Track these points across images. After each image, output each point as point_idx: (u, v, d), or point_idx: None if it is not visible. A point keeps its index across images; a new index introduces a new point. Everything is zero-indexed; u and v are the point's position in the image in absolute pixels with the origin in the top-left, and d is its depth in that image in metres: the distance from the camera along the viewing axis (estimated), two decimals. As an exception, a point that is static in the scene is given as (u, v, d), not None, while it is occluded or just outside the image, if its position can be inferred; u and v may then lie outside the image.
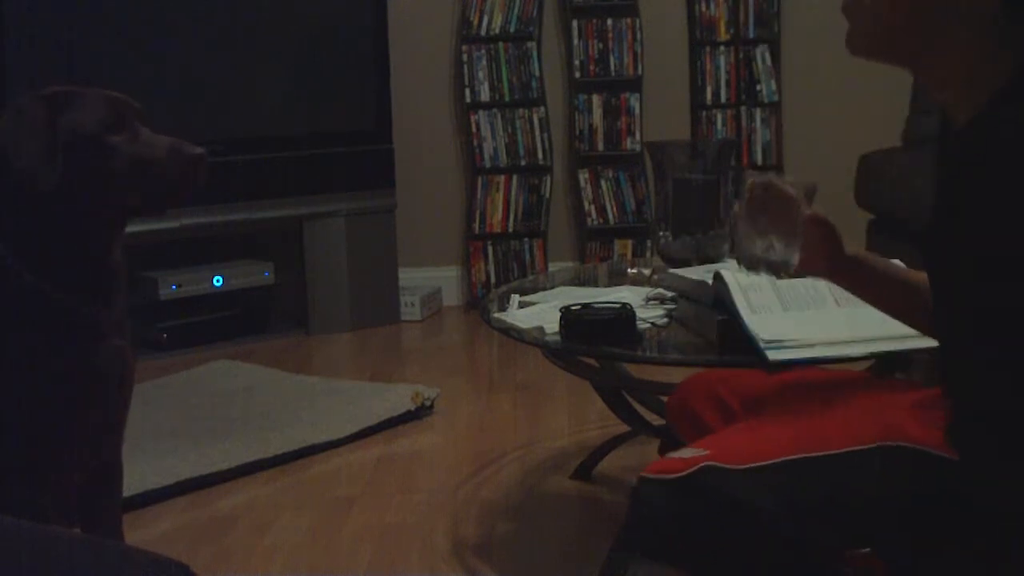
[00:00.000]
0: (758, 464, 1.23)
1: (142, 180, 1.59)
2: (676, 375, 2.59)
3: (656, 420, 2.61)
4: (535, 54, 4.55)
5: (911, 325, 1.55)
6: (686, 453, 1.26)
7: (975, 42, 1.21)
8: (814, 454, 1.25)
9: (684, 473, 1.22)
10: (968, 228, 1.19)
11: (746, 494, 1.20)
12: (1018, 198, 1.11)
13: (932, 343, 1.42)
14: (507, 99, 4.56)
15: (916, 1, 1.23)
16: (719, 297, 1.92)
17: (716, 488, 1.21)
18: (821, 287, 1.94)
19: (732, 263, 2.29)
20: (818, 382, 1.58)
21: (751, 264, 1.40)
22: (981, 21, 1.20)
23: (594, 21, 4.56)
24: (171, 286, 4.04)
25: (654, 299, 2.20)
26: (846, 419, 1.32)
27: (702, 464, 1.22)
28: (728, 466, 1.22)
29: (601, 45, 4.58)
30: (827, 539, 1.21)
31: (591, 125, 4.60)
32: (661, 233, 2.50)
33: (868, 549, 1.21)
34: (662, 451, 1.78)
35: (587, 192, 4.62)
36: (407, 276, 4.57)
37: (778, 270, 1.40)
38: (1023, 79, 1.18)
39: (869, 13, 1.27)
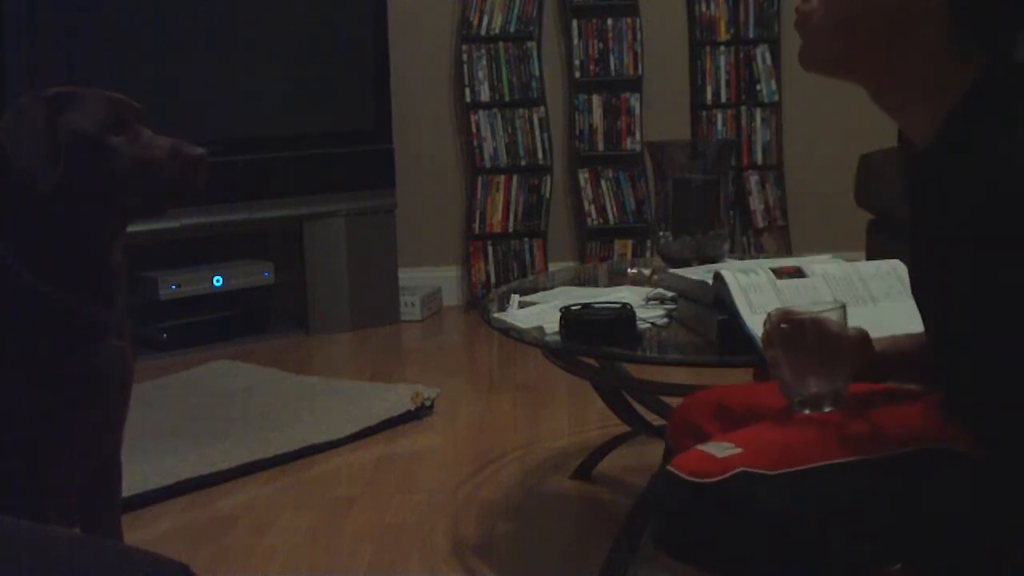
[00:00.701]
0: (792, 470, 1.21)
1: (143, 181, 1.58)
2: (676, 375, 2.59)
3: (656, 420, 2.61)
4: (535, 54, 4.55)
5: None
6: (719, 450, 1.24)
7: (928, 61, 1.22)
8: (848, 459, 1.23)
9: (720, 478, 1.20)
10: (949, 244, 1.19)
11: (781, 503, 1.19)
12: (998, 207, 1.11)
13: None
14: (507, 99, 4.56)
15: (865, 24, 1.23)
16: (719, 297, 1.92)
17: (751, 495, 1.19)
18: (821, 288, 1.94)
19: (732, 263, 2.30)
20: None
21: (814, 404, 1.34)
22: (932, 41, 1.21)
23: (594, 21, 4.56)
24: (171, 286, 4.04)
25: (654, 299, 2.20)
26: (874, 424, 1.31)
27: (738, 470, 1.20)
28: (763, 471, 1.20)
29: (601, 45, 4.58)
30: (860, 550, 1.20)
31: (591, 125, 4.60)
32: (661, 233, 2.50)
33: (899, 565, 1.19)
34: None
35: (587, 192, 4.62)
36: (407, 276, 4.57)
37: (838, 401, 1.35)
38: (975, 95, 1.19)
39: (819, 31, 1.28)
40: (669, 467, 1.25)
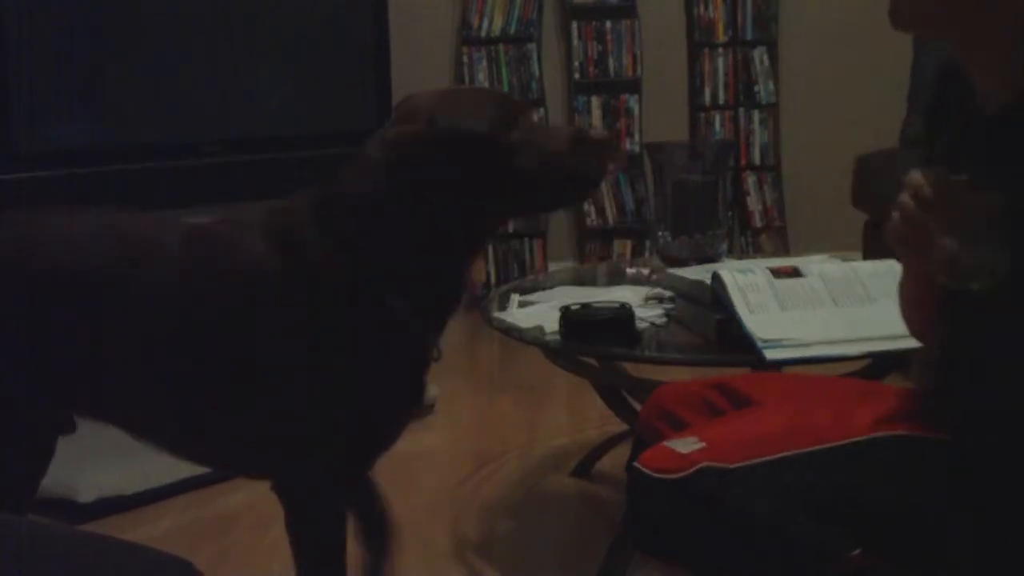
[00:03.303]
0: (754, 462, 1.23)
1: (548, 175, 1.45)
2: (676, 374, 2.60)
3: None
4: (535, 55, 4.56)
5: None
6: (682, 446, 1.25)
7: (1015, 28, 1.21)
8: (809, 449, 1.25)
9: (683, 474, 1.21)
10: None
11: (744, 496, 1.20)
12: None
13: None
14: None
15: None
16: (717, 297, 1.93)
17: (714, 490, 1.20)
18: (819, 287, 1.95)
19: (730, 263, 2.31)
20: (808, 379, 1.57)
21: (981, 275, 1.18)
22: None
23: (593, 23, 4.57)
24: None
25: (653, 299, 2.21)
26: (838, 412, 1.32)
27: (701, 466, 1.22)
28: (725, 465, 1.22)
29: (600, 47, 4.59)
30: (823, 538, 1.21)
31: (590, 126, 4.61)
32: (660, 233, 2.51)
33: (859, 550, 1.21)
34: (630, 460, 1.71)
35: (586, 193, 4.62)
36: (407, 276, 4.57)
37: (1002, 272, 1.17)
38: None
39: None
40: (635, 463, 1.26)
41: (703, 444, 1.25)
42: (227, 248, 1.52)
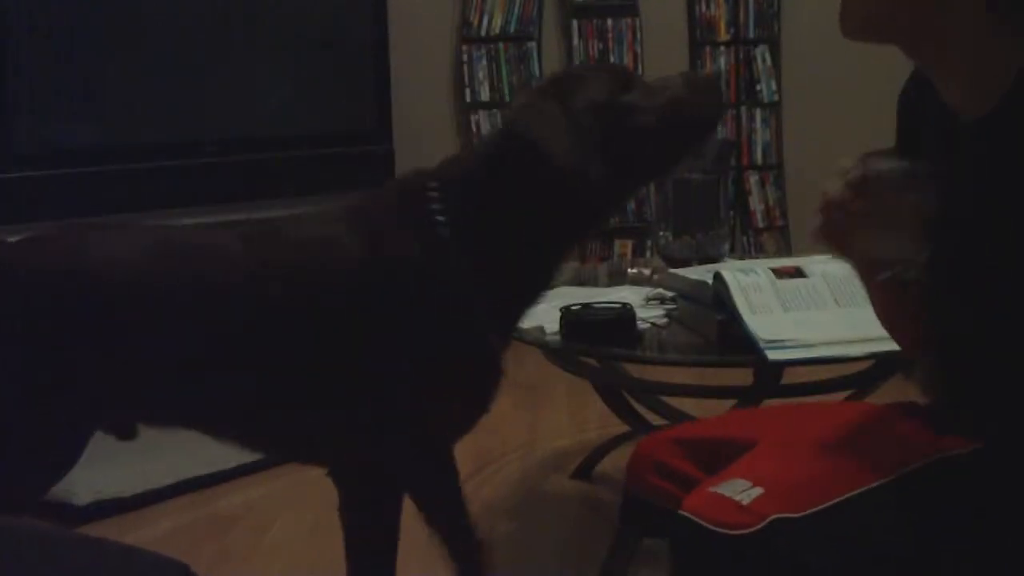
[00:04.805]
0: (823, 506, 1.14)
1: (671, 126, 1.49)
2: (676, 375, 2.59)
3: (656, 420, 2.61)
4: (535, 54, 4.55)
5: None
6: (735, 491, 1.17)
7: (980, 32, 1.17)
8: (871, 486, 1.17)
9: (753, 529, 1.12)
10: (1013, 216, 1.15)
11: (819, 546, 1.12)
12: None
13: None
14: (507, 99, 4.56)
15: None
16: (719, 297, 1.93)
17: (794, 547, 1.11)
18: (821, 287, 1.94)
19: (732, 263, 2.30)
20: (805, 414, 1.50)
21: (902, 271, 1.22)
22: (979, 9, 1.16)
23: (594, 21, 4.56)
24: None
25: (654, 299, 2.21)
26: (877, 444, 1.26)
27: (772, 518, 1.12)
28: (794, 515, 1.13)
29: (601, 45, 4.58)
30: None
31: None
32: (661, 233, 2.50)
33: None
34: (625, 519, 1.61)
35: (587, 192, 4.62)
36: (407, 276, 4.56)
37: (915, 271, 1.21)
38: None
39: None
40: (686, 513, 1.16)
41: (761, 489, 1.16)
42: (302, 244, 1.53)
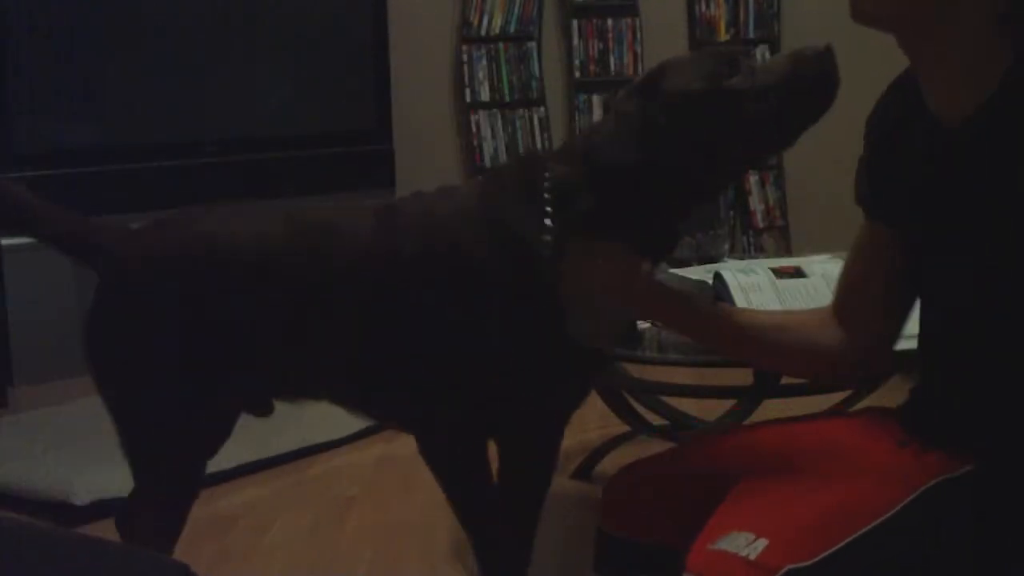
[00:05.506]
0: (829, 552, 1.12)
1: (786, 105, 1.44)
2: (676, 375, 2.59)
3: (656, 420, 2.61)
4: (535, 54, 4.55)
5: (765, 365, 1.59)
6: (741, 546, 1.14)
7: (981, 34, 1.18)
8: (876, 523, 1.15)
9: None
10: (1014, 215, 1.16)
11: None
12: None
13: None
14: (507, 99, 4.57)
15: None
16: (719, 297, 1.93)
17: None
18: (821, 287, 1.94)
19: (732, 263, 2.30)
20: (774, 438, 1.49)
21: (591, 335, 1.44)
22: (989, 14, 1.18)
23: (594, 21, 4.56)
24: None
25: (654, 299, 2.20)
26: (868, 474, 1.25)
27: (785, 570, 1.10)
28: (805, 563, 1.11)
29: (601, 45, 4.58)
30: None
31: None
32: (661, 233, 2.50)
33: None
34: (601, 566, 1.63)
35: (587, 192, 4.62)
36: (407, 276, 4.56)
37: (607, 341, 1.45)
38: (1015, 74, 1.16)
39: None
40: (692, 575, 1.14)
41: (766, 540, 1.13)
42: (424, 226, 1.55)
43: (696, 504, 1.34)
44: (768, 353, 1.51)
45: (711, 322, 1.49)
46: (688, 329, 1.55)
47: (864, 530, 1.15)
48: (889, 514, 1.16)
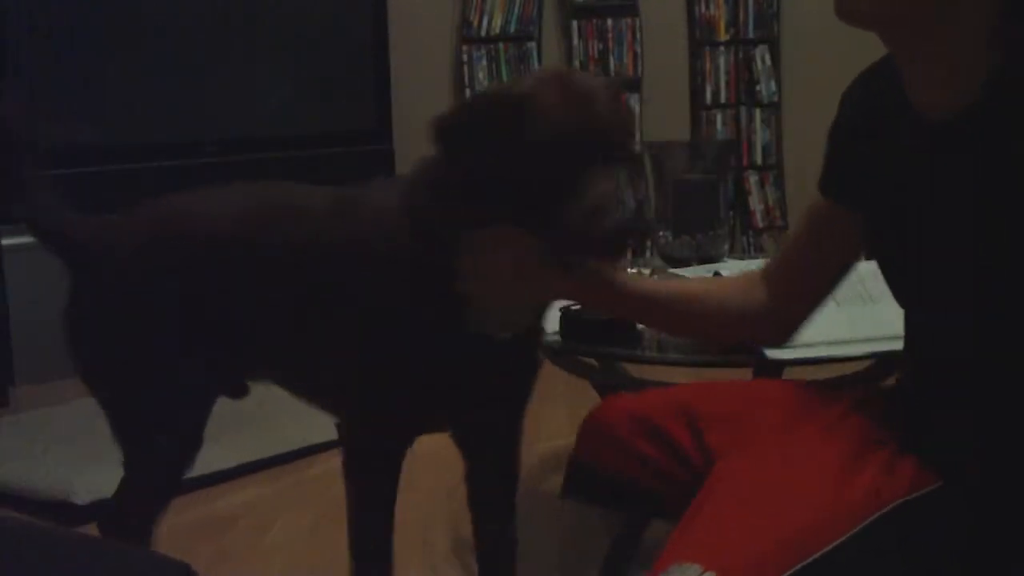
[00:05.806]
0: (795, 569, 1.09)
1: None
2: (676, 375, 2.59)
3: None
4: (535, 54, 4.55)
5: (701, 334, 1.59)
6: None
7: (972, 35, 1.17)
8: (820, 553, 1.11)
9: None
10: (1001, 213, 1.16)
11: None
12: None
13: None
14: (507, 99, 4.57)
15: None
16: (719, 297, 1.92)
17: None
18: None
19: (731, 263, 2.30)
20: (785, 408, 1.43)
21: (495, 326, 1.45)
22: (982, 15, 1.17)
23: (594, 21, 4.57)
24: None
25: (654, 299, 2.20)
26: (838, 491, 1.19)
27: None
28: None
29: (601, 45, 4.58)
30: None
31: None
32: (661, 233, 2.50)
33: None
34: (570, 486, 1.65)
35: (587, 192, 4.62)
36: (407, 276, 4.56)
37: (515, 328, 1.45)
38: (1014, 68, 1.16)
39: None
40: None
41: (713, 574, 1.09)
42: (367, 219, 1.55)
43: (667, 444, 1.41)
44: (676, 322, 1.56)
45: (618, 295, 1.50)
46: (597, 303, 1.59)
47: (809, 560, 1.11)
48: (839, 541, 1.12)
